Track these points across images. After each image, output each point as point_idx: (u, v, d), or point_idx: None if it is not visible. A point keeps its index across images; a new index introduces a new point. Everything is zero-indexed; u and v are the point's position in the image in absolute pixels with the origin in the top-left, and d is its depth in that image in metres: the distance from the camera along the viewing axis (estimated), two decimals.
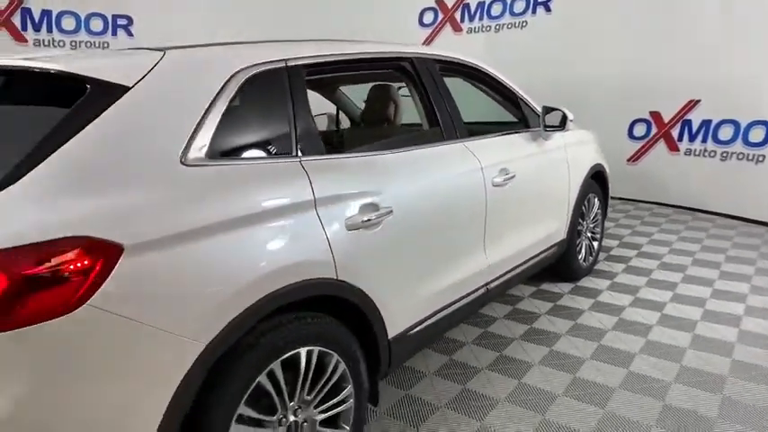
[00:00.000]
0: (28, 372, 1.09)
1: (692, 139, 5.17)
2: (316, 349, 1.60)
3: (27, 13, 4.96)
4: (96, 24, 5.44)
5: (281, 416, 1.55)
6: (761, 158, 4.70)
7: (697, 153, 5.15)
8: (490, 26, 6.34)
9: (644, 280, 3.57)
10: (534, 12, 6.03)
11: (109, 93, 1.33)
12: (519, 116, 2.98)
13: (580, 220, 3.44)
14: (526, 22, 6.09)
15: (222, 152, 1.48)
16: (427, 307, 2.11)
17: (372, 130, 2.43)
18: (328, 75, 1.99)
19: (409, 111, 2.63)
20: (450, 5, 6.55)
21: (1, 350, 1.06)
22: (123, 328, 1.18)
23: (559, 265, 3.39)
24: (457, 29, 6.54)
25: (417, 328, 2.06)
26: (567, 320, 3.01)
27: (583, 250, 3.56)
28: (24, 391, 1.09)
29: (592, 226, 3.66)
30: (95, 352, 1.16)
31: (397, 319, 1.93)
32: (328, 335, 1.64)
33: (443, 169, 2.19)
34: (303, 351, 1.56)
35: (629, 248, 4.23)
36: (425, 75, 2.30)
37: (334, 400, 1.71)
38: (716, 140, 5.00)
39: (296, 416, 1.60)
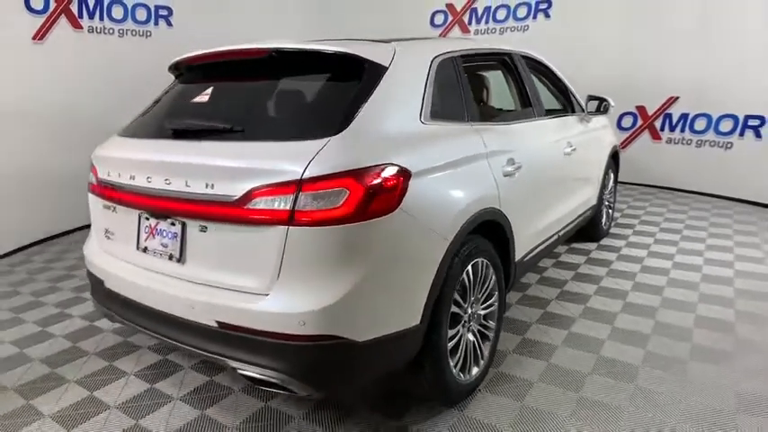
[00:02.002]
0: (370, 250, 1.67)
1: (672, 129, 6.10)
2: (484, 261, 2.23)
3: (83, 1, 5.23)
4: (141, 14, 5.72)
5: (467, 305, 2.18)
6: (729, 145, 5.68)
7: (676, 141, 6.09)
8: (495, 29, 7.08)
9: (651, 240, 4.39)
10: (535, 17, 6.82)
11: (378, 70, 1.91)
12: (566, 102, 3.69)
13: (603, 190, 4.21)
14: (528, 26, 6.87)
15: (434, 115, 2.08)
16: (531, 243, 2.78)
17: (493, 108, 3.08)
18: (472, 63, 2.60)
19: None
20: (459, 9, 7.25)
21: (359, 236, 1.63)
22: (415, 224, 1.77)
23: (588, 227, 4.13)
24: (465, 30, 7.24)
25: (525, 258, 2.73)
26: (602, 267, 3.77)
27: (604, 215, 4.34)
28: (368, 263, 1.66)
29: (608, 196, 4.45)
30: (402, 240, 1.75)
31: (520, 247, 2.58)
32: (490, 252, 2.27)
33: (541, 138, 2.88)
34: (480, 261, 2.19)
35: (631, 218, 5.07)
36: (520, 66, 2.97)
37: (489, 302, 2.34)
38: (692, 131, 5.95)
39: (471, 308, 2.23)
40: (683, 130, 6.02)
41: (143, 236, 1.99)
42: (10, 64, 4.69)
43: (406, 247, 1.76)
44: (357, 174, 1.62)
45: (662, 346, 2.64)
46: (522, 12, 6.90)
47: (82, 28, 5.27)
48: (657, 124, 6.20)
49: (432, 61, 2.17)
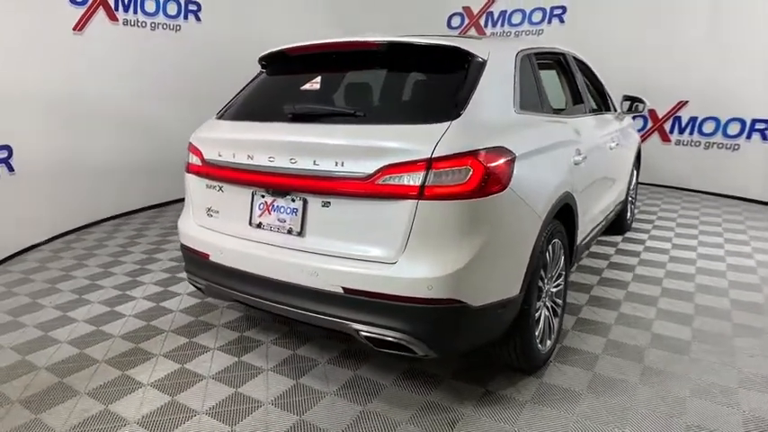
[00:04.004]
0: (486, 224, 1.85)
1: (681, 132, 6.41)
2: (559, 242, 2.43)
3: None
4: (172, 8, 5.83)
5: (546, 281, 2.37)
6: (736, 147, 6.00)
7: (685, 143, 6.40)
8: (510, 32, 7.32)
9: (671, 233, 4.65)
10: (550, 22, 7.07)
11: (480, 63, 2.09)
12: (602, 101, 3.92)
13: (629, 186, 4.45)
14: (542, 30, 7.12)
15: (522, 106, 2.27)
16: (587, 228, 2.99)
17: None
18: (540, 61, 2.80)
19: None
20: (475, 12, 7.49)
21: (479, 210, 1.81)
22: (519, 203, 1.96)
23: (615, 220, 4.35)
24: (481, 32, 7.48)
25: (583, 242, 2.93)
26: (633, 257, 4.00)
27: (628, 210, 4.58)
28: (484, 236, 1.84)
29: (632, 192, 4.69)
30: (510, 216, 1.94)
31: (581, 231, 2.79)
32: (563, 233, 2.46)
33: (596, 132, 3.10)
34: (556, 241, 2.39)
35: (648, 214, 5.34)
36: (572, 65, 3.18)
37: (558, 281, 2.53)
38: (701, 133, 6.26)
39: (548, 284, 2.42)
40: (691, 133, 6.33)
41: (257, 212, 2.14)
42: (54, 51, 4.77)
43: (512, 222, 1.95)
44: (478, 154, 1.80)
45: (706, 325, 2.87)
46: (537, 16, 7.16)
47: (117, 20, 5.36)
48: (667, 127, 6.50)
49: (516, 56, 2.36)
